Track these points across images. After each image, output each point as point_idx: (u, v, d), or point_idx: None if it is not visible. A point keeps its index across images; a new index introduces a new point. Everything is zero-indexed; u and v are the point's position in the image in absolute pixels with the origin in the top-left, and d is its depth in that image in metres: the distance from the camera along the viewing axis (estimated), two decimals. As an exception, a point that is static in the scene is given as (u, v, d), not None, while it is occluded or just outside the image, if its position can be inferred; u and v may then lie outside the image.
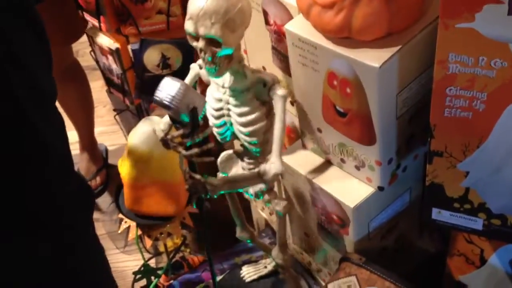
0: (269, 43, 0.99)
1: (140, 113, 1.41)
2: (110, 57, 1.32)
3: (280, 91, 0.83)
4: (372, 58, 0.74)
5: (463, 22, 0.59)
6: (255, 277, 1.18)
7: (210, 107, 0.89)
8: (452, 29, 0.60)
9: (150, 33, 1.25)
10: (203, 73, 0.89)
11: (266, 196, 0.91)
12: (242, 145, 0.91)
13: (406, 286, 0.86)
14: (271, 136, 0.84)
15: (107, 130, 1.94)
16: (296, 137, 1.06)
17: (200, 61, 0.87)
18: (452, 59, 0.62)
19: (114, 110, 1.50)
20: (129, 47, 1.29)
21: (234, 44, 0.79)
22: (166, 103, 0.82)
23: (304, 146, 0.99)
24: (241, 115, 0.86)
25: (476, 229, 0.76)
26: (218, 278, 1.22)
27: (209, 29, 0.76)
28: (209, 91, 0.89)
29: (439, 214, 0.78)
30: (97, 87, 2.11)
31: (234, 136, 0.90)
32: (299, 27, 0.83)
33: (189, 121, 0.84)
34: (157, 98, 0.83)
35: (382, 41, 0.76)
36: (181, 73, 1.28)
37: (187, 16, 0.78)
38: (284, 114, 0.83)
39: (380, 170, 0.86)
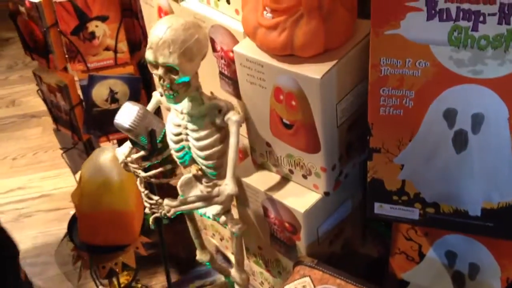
0: (217, 69, 1.07)
1: (88, 150, 1.44)
2: (58, 94, 1.36)
3: (234, 117, 0.89)
4: (314, 71, 0.84)
5: (391, 29, 0.69)
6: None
7: (170, 132, 0.95)
8: (381, 36, 0.70)
9: (98, 69, 1.31)
10: (164, 100, 0.95)
11: (223, 218, 0.95)
12: (200, 169, 0.97)
13: (355, 281, 0.94)
14: (226, 160, 0.90)
15: (50, 175, 1.94)
16: (245, 156, 1.13)
17: (160, 89, 0.93)
18: (383, 62, 0.72)
19: (61, 149, 1.52)
20: (77, 83, 1.34)
21: (191, 72, 0.86)
22: (126, 125, 0.89)
23: (253, 162, 1.06)
24: (198, 139, 0.92)
25: (414, 219, 0.85)
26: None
27: (167, 58, 0.82)
28: (169, 117, 0.95)
29: (380, 208, 0.86)
30: (37, 134, 2.12)
31: (193, 160, 0.95)
32: (246, 48, 0.91)
33: (147, 143, 0.91)
34: (118, 121, 0.89)
35: (321, 56, 0.86)
36: (129, 107, 1.34)
37: (148, 45, 0.84)
38: (238, 138, 0.90)
39: (325, 176, 0.94)
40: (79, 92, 1.35)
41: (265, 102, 0.93)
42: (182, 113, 0.91)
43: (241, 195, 1.06)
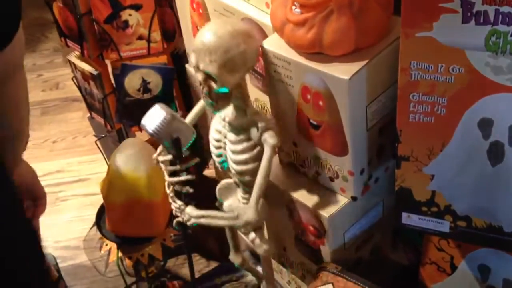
0: (246, 63, 1.03)
1: (121, 138, 1.44)
2: (91, 83, 1.36)
3: (271, 140, 0.83)
4: (342, 71, 0.79)
5: (423, 31, 0.64)
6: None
7: (212, 137, 0.92)
8: (412, 38, 0.65)
9: (131, 58, 1.29)
10: None
11: (252, 234, 0.89)
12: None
13: (380, 292, 0.90)
14: None
15: (87, 159, 1.96)
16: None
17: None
18: (414, 66, 0.67)
19: (95, 136, 1.52)
20: (111, 72, 1.33)
21: (232, 84, 0.80)
22: (149, 130, 0.86)
23: (280, 161, 1.03)
24: (234, 152, 0.88)
25: (444, 231, 0.80)
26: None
27: (207, 66, 0.77)
28: (214, 120, 0.92)
29: (408, 219, 0.81)
30: (77, 118, 2.14)
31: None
32: (274, 44, 0.88)
33: (171, 149, 0.88)
34: (143, 123, 0.87)
35: (351, 55, 0.81)
36: (161, 97, 1.32)
37: (192, 48, 0.80)
38: (270, 163, 0.83)
39: (353, 180, 0.90)
40: (113, 81, 1.34)
41: (293, 101, 0.89)
42: (224, 120, 0.88)
43: (266, 193, 1.03)
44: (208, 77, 0.79)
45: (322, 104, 0.84)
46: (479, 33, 0.62)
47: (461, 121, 0.69)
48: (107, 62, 1.33)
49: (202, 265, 1.47)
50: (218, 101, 0.81)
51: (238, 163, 0.88)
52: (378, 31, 0.82)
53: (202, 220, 0.88)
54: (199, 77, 0.80)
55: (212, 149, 0.92)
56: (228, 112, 0.87)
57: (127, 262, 1.28)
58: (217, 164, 0.94)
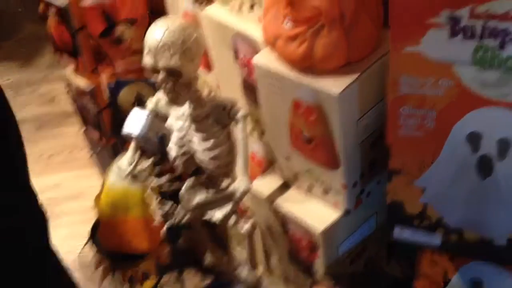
0: (239, 77, 1.04)
1: (117, 152, 1.44)
2: (86, 97, 1.36)
3: (239, 112, 0.89)
4: (333, 85, 0.80)
5: (411, 46, 0.65)
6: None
7: (174, 138, 0.92)
8: (401, 52, 0.66)
9: (126, 73, 1.30)
10: (161, 107, 0.93)
11: (233, 219, 0.94)
12: (203, 172, 0.94)
13: (374, 306, 0.89)
14: (234, 157, 0.88)
15: (84, 174, 1.95)
16: (266, 167, 1.10)
17: (156, 97, 0.92)
18: (403, 80, 0.68)
19: (91, 149, 1.53)
20: (105, 86, 1.33)
21: (193, 72, 0.85)
22: (136, 134, 0.87)
23: (274, 175, 1.03)
24: (204, 139, 0.90)
25: (436, 244, 0.80)
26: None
27: (168, 60, 0.81)
28: (168, 122, 0.93)
29: (401, 232, 0.81)
30: (73, 132, 2.14)
31: (196, 164, 0.93)
32: (266, 59, 0.88)
33: (157, 150, 0.89)
34: (126, 130, 0.88)
35: (342, 69, 0.81)
36: (156, 112, 1.33)
37: (145, 51, 0.83)
38: (246, 134, 0.89)
39: (345, 194, 0.90)
40: (108, 95, 1.35)
41: (285, 115, 0.89)
42: (183, 115, 0.90)
43: (259, 210, 1.03)
44: (170, 72, 0.82)
45: (314, 118, 0.85)
46: (467, 47, 0.62)
47: (451, 134, 0.69)
48: (102, 76, 1.34)
49: (197, 279, 1.46)
50: (182, 94, 0.85)
51: (210, 149, 0.90)
52: (369, 45, 0.83)
53: (197, 211, 0.89)
54: (160, 76, 0.83)
55: (176, 150, 0.93)
56: (185, 106, 0.89)
57: (121, 280, 1.27)
58: (178, 162, 0.94)
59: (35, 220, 0.82)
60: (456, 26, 0.61)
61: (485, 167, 0.69)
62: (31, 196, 0.82)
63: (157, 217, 0.97)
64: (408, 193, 0.77)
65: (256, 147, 1.09)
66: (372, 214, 0.99)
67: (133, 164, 0.93)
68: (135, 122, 0.86)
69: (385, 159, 0.88)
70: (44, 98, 2.31)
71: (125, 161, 0.94)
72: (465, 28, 0.61)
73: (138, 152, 0.93)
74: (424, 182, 0.75)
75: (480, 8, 0.59)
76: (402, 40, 0.65)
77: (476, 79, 0.64)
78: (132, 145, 0.96)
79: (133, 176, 0.93)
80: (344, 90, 0.79)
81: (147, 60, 0.83)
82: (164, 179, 0.91)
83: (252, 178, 1.08)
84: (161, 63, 0.81)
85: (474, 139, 0.67)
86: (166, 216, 0.95)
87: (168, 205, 0.93)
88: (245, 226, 0.96)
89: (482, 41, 0.61)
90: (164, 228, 0.96)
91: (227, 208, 0.93)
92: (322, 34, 0.79)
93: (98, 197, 1.22)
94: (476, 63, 0.63)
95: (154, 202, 0.95)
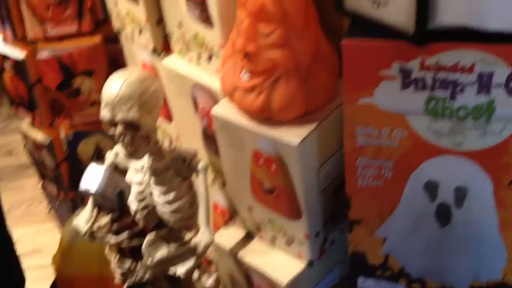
0: (199, 128, 1.03)
1: (76, 206, 1.41)
2: (43, 151, 1.34)
3: (200, 164, 0.87)
4: (292, 136, 0.80)
5: (365, 97, 0.65)
6: None
7: (133, 192, 0.91)
8: (355, 104, 0.66)
9: (84, 125, 1.28)
10: (120, 160, 0.91)
11: (196, 273, 0.91)
12: (165, 226, 0.92)
13: None
14: (196, 209, 0.87)
15: (43, 228, 1.90)
16: (229, 217, 1.08)
17: (114, 150, 0.90)
18: (359, 131, 0.68)
19: (49, 203, 1.49)
20: (63, 140, 1.31)
21: (152, 124, 0.83)
22: (94, 190, 0.85)
23: (237, 226, 1.01)
24: (165, 193, 0.88)
25: (400, 294, 0.79)
26: None
27: (126, 113, 0.79)
28: (128, 176, 0.91)
29: (364, 283, 0.80)
30: (32, 184, 2.09)
31: (157, 218, 0.91)
32: (224, 110, 0.88)
33: (115, 205, 0.86)
34: (83, 187, 0.85)
35: (301, 119, 0.82)
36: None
37: (103, 104, 0.82)
38: (206, 185, 0.88)
39: (308, 244, 0.89)
40: (66, 148, 1.32)
41: (245, 166, 0.89)
42: (143, 168, 0.88)
43: (223, 262, 1.01)
44: (127, 125, 0.80)
45: (274, 168, 0.84)
46: (418, 98, 0.63)
47: (408, 184, 0.69)
48: (60, 129, 1.32)
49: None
50: (140, 147, 0.83)
51: (172, 201, 0.88)
52: (327, 95, 0.83)
53: (159, 267, 0.86)
54: (118, 129, 0.81)
55: (136, 204, 0.91)
56: (144, 160, 0.88)
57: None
58: (139, 217, 0.92)
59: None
60: (407, 78, 0.62)
61: (443, 215, 0.69)
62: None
63: (117, 275, 0.94)
64: (369, 243, 0.76)
65: (218, 197, 1.07)
66: (335, 264, 0.98)
67: (91, 222, 0.90)
68: (92, 178, 0.84)
69: (346, 209, 0.88)
70: (2, 150, 2.26)
71: (83, 218, 0.91)
72: (416, 80, 0.62)
73: (96, 209, 0.90)
74: (384, 233, 0.74)
75: (429, 60, 0.61)
76: (356, 92, 0.66)
77: (430, 129, 0.64)
78: (90, 202, 0.93)
79: (91, 234, 0.90)
80: (303, 139, 0.79)
81: (105, 113, 0.81)
82: (122, 236, 0.89)
83: (215, 228, 1.07)
84: (119, 116, 0.80)
85: (431, 187, 0.68)
86: (126, 275, 0.92)
87: (128, 262, 0.90)
88: (209, 281, 0.93)
89: (433, 92, 0.62)
90: (125, 287, 0.93)
91: (190, 263, 0.90)
92: (279, 86, 0.79)
93: (56, 255, 1.19)
94: (428, 113, 0.63)
95: (113, 260, 0.91)
